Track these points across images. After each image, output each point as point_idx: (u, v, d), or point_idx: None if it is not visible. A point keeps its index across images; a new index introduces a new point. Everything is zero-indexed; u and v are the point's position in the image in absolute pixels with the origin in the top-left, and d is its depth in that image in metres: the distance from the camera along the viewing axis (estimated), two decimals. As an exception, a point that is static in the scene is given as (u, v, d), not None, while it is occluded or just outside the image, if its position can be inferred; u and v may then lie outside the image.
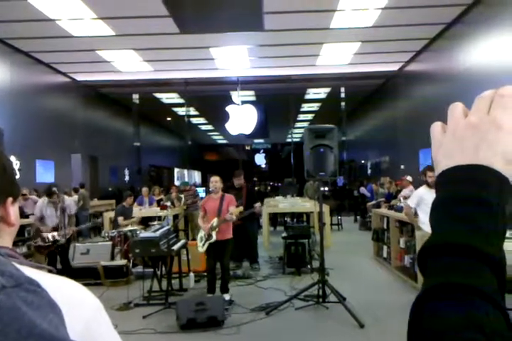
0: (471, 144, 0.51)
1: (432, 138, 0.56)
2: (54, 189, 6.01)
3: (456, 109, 0.54)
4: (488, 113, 0.51)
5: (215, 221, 5.54)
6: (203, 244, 5.55)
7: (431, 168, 5.47)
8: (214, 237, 5.48)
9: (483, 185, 0.48)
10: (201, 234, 5.65)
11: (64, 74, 13.34)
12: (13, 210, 0.72)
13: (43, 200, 6.13)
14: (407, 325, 0.46)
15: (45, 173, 11.56)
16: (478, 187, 0.48)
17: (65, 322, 0.53)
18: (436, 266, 0.47)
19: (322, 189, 16.63)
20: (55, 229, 5.94)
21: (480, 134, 0.50)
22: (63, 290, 0.64)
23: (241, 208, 5.96)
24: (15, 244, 7.92)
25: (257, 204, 7.34)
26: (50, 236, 5.93)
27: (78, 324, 0.61)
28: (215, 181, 5.72)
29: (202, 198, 9.78)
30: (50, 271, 0.69)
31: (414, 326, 0.46)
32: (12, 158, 10.11)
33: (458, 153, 0.51)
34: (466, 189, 0.48)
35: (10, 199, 0.72)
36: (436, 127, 0.56)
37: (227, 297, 5.49)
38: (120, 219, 7.95)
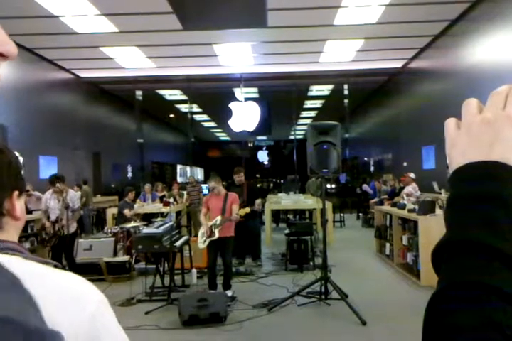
0: (486, 140, 0.50)
1: (446, 134, 0.54)
2: (59, 177, 6.06)
3: (471, 104, 0.53)
4: (504, 108, 0.50)
5: (218, 219, 5.56)
6: (204, 241, 5.57)
7: None
8: (217, 235, 5.50)
9: (499, 181, 0.47)
10: (203, 230, 5.68)
11: (67, 70, 13.34)
12: (19, 204, 0.73)
13: (48, 192, 6.17)
14: (422, 323, 0.45)
15: (48, 169, 11.58)
16: (493, 183, 0.47)
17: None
18: (452, 264, 0.46)
19: (328, 186, 16.65)
20: (56, 221, 5.96)
21: (495, 130, 0.49)
22: (68, 285, 0.65)
23: (248, 209, 5.97)
24: (18, 239, 8.00)
25: (257, 202, 7.34)
26: (51, 228, 5.97)
27: (83, 318, 0.61)
28: (212, 187, 5.73)
29: (205, 195, 9.80)
30: (55, 266, 0.69)
31: (430, 325, 0.45)
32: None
33: (473, 149, 0.50)
34: (482, 185, 0.48)
35: (16, 192, 0.72)
36: (450, 123, 0.55)
37: (229, 293, 5.51)
38: (126, 211, 7.98)
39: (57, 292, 0.62)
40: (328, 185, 17.41)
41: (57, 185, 5.93)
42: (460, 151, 0.51)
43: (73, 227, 6.09)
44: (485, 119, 0.51)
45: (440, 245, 0.48)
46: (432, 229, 6.02)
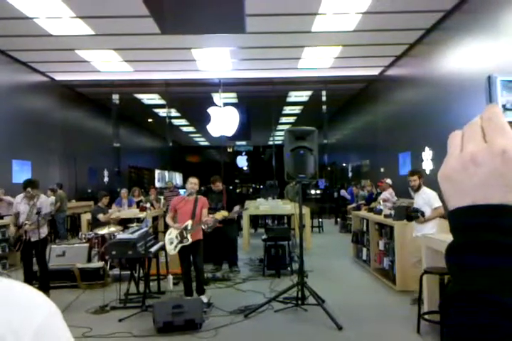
0: (481, 181, 0.47)
1: (447, 155, 0.51)
2: (33, 181, 5.93)
3: (456, 139, 0.50)
4: (485, 141, 0.48)
5: (189, 223, 5.45)
6: (175, 246, 5.47)
7: (410, 173, 5.81)
8: (190, 240, 5.41)
9: (506, 228, 0.45)
10: (171, 235, 5.54)
11: (42, 73, 13.11)
12: None
13: (19, 196, 6.01)
14: None
15: (21, 173, 11.32)
16: (500, 230, 0.45)
17: None
18: (458, 321, 0.45)
19: (313, 192, 16.67)
20: (20, 226, 5.80)
21: (486, 167, 0.46)
22: (16, 294, 0.62)
23: (225, 213, 5.91)
24: (-12, 246, 7.69)
25: (235, 209, 7.28)
26: (15, 233, 5.81)
27: (29, 329, 0.59)
28: (195, 183, 5.68)
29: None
30: (5, 276, 0.66)
31: None
32: (-13, 158, 9.87)
33: (469, 189, 0.47)
34: (487, 233, 0.45)
35: None
36: (453, 144, 0.51)
37: (204, 299, 5.44)
38: (100, 215, 7.83)
39: (2, 302, 0.60)
40: (313, 191, 17.53)
41: (28, 189, 5.78)
42: (456, 189, 0.49)
43: (44, 233, 5.93)
44: (472, 158, 0.48)
45: (447, 298, 0.46)
46: (408, 234, 6.08)
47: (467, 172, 0.48)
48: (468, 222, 0.47)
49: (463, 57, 8.43)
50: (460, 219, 0.48)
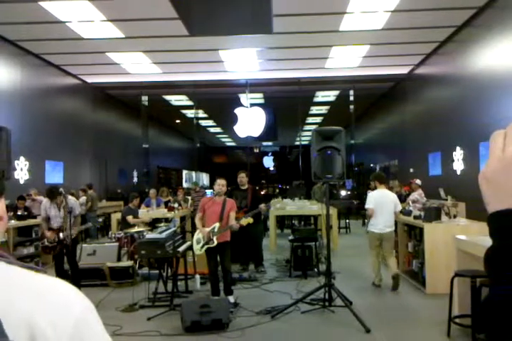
0: None
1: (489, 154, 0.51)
2: (55, 190, 5.98)
3: (498, 139, 0.50)
4: None
5: (216, 226, 5.48)
6: (201, 247, 5.51)
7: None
8: (215, 242, 5.43)
9: None
10: (198, 235, 5.59)
11: (74, 76, 13.43)
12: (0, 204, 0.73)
13: (46, 200, 6.10)
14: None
15: (54, 174, 11.63)
16: None
17: None
18: (499, 329, 0.45)
19: (343, 193, 16.55)
20: (59, 229, 5.92)
21: None
22: (53, 290, 0.64)
23: (251, 219, 5.91)
24: (23, 244, 7.92)
25: (262, 205, 7.21)
26: (55, 236, 5.93)
27: (67, 324, 0.61)
28: (222, 185, 5.69)
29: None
30: (41, 272, 0.69)
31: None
32: (21, 159, 10.18)
33: (510, 192, 0.47)
34: None
35: None
36: (496, 143, 0.50)
37: (231, 299, 5.46)
38: (129, 217, 7.97)
39: (42, 297, 0.62)
40: (343, 192, 17.40)
41: (55, 200, 5.88)
42: (494, 193, 0.48)
43: (74, 232, 6.07)
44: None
45: (487, 303, 0.47)
46: (438, 236, 5.96)
47: (508, 175, 0.46)
48: (508, 226, 0.45)
49: (495, 55, 8.20)
50: (500, 222, 0.46)
